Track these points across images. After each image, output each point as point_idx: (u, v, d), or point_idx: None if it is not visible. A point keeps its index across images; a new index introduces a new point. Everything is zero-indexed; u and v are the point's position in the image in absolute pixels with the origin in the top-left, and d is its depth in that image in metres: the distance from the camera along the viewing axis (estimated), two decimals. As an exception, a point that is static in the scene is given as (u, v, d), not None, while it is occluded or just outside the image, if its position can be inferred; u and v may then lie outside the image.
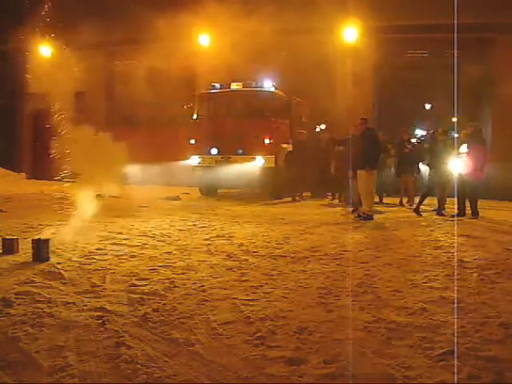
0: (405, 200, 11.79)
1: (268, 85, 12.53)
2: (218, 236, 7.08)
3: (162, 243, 6.49)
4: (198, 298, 4.16)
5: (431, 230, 7.91)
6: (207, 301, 4.11)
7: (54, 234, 6.41)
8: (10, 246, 5.73)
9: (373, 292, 4.45)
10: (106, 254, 5.73)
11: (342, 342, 3.29)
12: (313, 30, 14.47)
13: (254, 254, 5.95)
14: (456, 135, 10.84)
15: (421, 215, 9.61)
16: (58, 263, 5.22)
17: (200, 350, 3.15)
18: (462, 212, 9.44)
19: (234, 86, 12.80)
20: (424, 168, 11.46)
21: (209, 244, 6.47)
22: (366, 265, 5.48)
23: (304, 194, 13.08)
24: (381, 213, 9.94)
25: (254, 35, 12.78)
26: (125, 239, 6.70)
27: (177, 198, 12.09)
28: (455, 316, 3.81)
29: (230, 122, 12.25)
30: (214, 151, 12.36)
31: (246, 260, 5.60)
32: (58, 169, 6.71)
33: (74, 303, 3.97)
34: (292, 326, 3.55)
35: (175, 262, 5.41)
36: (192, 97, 13.44)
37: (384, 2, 13.71)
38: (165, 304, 4.01)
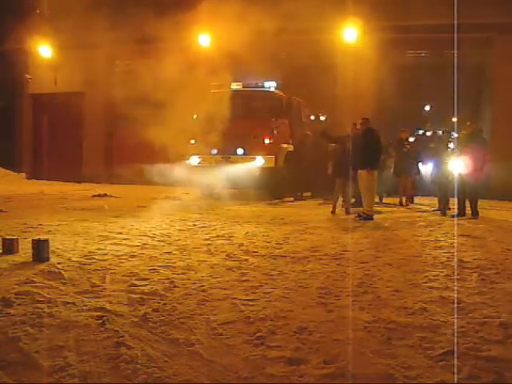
0: (404, 200, 11.80)
1: (268, 85, 12.53)
2: (217, 236, 7.08)
3: (162, 243, 6.49)
4: (197, 298, 4.16)
5: (431, 230, 7.92)
6: (207, 301, 4.11)
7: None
8: (10, 246, 5.72)
9: (373, 292, 4.45)
10: (106, 254, 5.73)
11: (341, 342, 3.29)
12: (313, 29, 14.48)
13: (254, 253, 5.95)
14: (455, 135, 10.87)
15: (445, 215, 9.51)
16: (58, 263, 5.22)
17: (200, 350, 3.15)
18: (462, 212, 9.45)
19: (234, 86, 12.80)
20: (424, 168, 11.48)
21: (209, 244, 6.47)
22: (366, 265, 5.48)
23: (304, 194, 13.09)
24: (381, 213, 9.95)
25: (253, 35, 12.78)
26: (125, 239, 6.69)
27: (177, 198, 12.09)
28: (455, 316, 3.81)
29: (230, 121, 12.24)
30: (214, 151, 12.35)
31: (246, 260, 5.60)
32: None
33: (73, 303, 3.97)
34: (292, 326, 3.55)
35: (175, 262, 5.41)
36: (192, 97, 13.43)
37: (384, 1, 13.73)
38: (165, 304, 4.00)
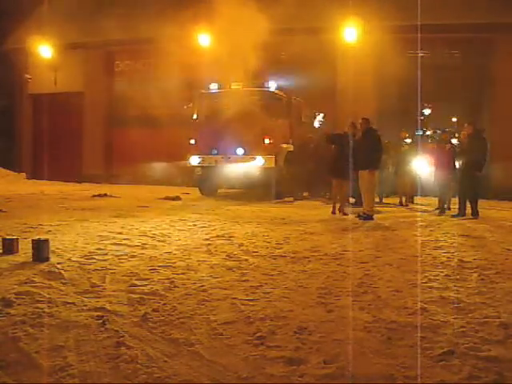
0: (404, 200, 11.81)
1: (268, 85, 12.53)
2: (218, 236, 7.08)
3: (162, 243, 6.49)
4: (197, 298, 4.16)
5: (431, 230, 7.91)
6: (207, 301, 4.11)
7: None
8: (10, 246, 5.72)
9: (373, 292, 4.45)
10: (106, 254, 5.73)
11: (342, 342, 3.29)
12: (313, 29, 14.49)
13: (254, 254, 5.94)
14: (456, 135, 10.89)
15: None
16: (58, 263, 5.22)
17: (200, 350, 3.15)
18: (462, 212, 9.46)
19: (234, 85, 12.80)
20: (424, 168, 11.48)
21: (209, 244, 6.47)
22: (366, 265, 5.48)
23: (304, 194, 13.10)
24: (381, 213, 9.95)
25: (253, 35, 12.78)
26: (125, 239, 6.69)
27: (177, 198, 12.09)
28: (455, 316, 3.81)
29: (230, 121, 12.25)
30: (214, 151, 12.35)
31: (246, 260, 5.60)
32: None
33: (73, 303, 3.97)
34: (292, 326, 3.55)
35: (175, 262, 5.41)
36: (192, 97, 13.45)
37: (384, 1, 13.73)
38: (165, 304, 4.00)
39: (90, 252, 5.83)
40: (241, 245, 6.43)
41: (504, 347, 3.24)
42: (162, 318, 3.70)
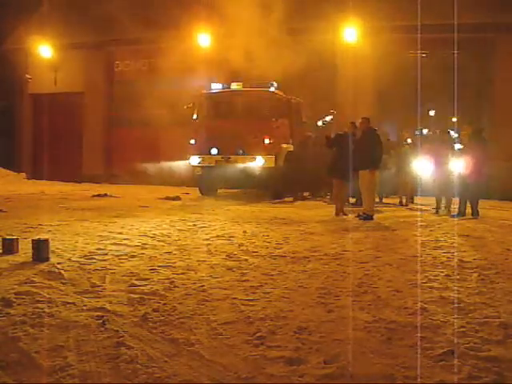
0: (405, 200, 11.80)
1: (268, 85, 12.53)
2: (217, 236, 7.08)
3: (162, 243, 6.49)
4: (198, 298, 4.16)
5: (431, 230, 7.91)
6: (207, 301, 4.11)
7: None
8: (10, 246, 5.72)
9: (373, 292, 4.45)
10: (106, 254, 5.73)
11: (342, 342, 3.29)
12: (313, 29, 14.49)
13: (254, 254, 5.94)
14: (456, 135, 10.88)
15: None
16: (58, 263, 5.22)
17: (200, 350, 3.15)
18: (462, 212, 9.46)
19: (234, 86, 12.80)
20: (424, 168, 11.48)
21: (209, 244, 6.47)
22: (366, 265, 5.48)
23: (304, 194, 13.09)
24: (381, 213, 9.95)
25: (253, 35, 12.78)
26: (125, 239, 6.69)
27: (177, 198, 12.09)
28: (455, 316, 3.81)
29: (230, 122, 12.25)
30: (214, 151, 12.35)
31: (246, 260, 5.60)
32: None
33: (74, 303, 3.97)
34: (292, 326, 3.55)
35: (175, 262, 5.41)
36: (192, 97, 13.45)
37: (384, 1, 13.73)
38: (165, 304, 4.00)
39: (90, 252, 5.83)
40: (241, 245, 6.43)
41: (504, 347, 3.24)
42: (162, 318, 3.70)
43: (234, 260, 5.61)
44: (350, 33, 14.45)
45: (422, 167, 11.32)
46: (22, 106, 19.57)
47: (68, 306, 3.92)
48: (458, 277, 4.98)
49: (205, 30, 15.34)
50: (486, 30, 13.96)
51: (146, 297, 4.17)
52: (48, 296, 4.12)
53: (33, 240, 5.53)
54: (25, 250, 5.64)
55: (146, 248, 6.16)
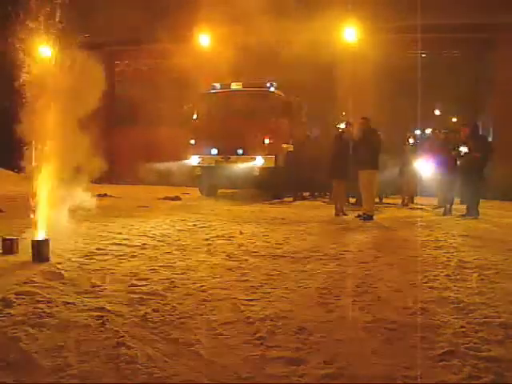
0: (406, 200, 11.80)
1: (268, 85, 12.53)
2: (217, 236, 7.08)
3: (162, 243, 6.49)
4: (198, 298, 4.16)
5: (431, 230, 7.91)
6: (207, 301, 4.11)
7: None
8: (10, 246, 5.72)
9: (373, 292, 4.45)
10: (106, 254, 5.73)
11: (341, 342, 3.29)
12: (313, 29, 14.47)
13: (254, 254, 5.94)
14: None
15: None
16: (58, 263, 5.22)
17: (200, 350, 3.15)
18: (474, 212, 9.42)
19: (234, 86, 12.80)
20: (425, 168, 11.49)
21: (209, 244, 6.47)
22: (366, 265, 5.48)
23: (304, 194, 13.09)
24: (381, 212, 9.95)
25: (254, 35, 12.78)
26: (125, 239, 6.69)
27: (177, 198, 12.09)
28: (455, 316, 3.81)
29: (230, 121, 12.24)
30: (214, 151, 12.35)
31: (246, 260, 5.60)
32: None
33: (73, 303, 3.97)
34: (292, 326, 3.55)
35: (175, 262, 5.41)
36: (192, 97, 13.46)
37: (384, 2, 13.72)
38: (165, 304, 4.00)
39: (90, 252, 5.83)
40: (241, 245, 6.43)
41: (504, 347, 3.24)
42: (162, 318, 3.70)
43: (234, 260, 5.61)
44: (350, 33, 14.43)
45: (423, 167, 11.34)
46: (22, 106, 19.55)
47: (68, 305, 3.91)
48: (457, 277, 4.99)
49: (205, 31, 15.32)
50: (486, 30, 13.96)
51: (145, 297, 4.17)
52: (48, 296, 4.12)
53: (33, 240, 5.53)
54: (25, 250, 5.63)
55: (146, 248, 6.16)
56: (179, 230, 7.52)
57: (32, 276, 4.73)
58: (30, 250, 5.43)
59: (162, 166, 14.77)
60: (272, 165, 12.11)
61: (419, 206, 11.28)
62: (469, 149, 9.40)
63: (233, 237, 7.02)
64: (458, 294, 4.40)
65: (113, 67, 18.84)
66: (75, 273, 4.90)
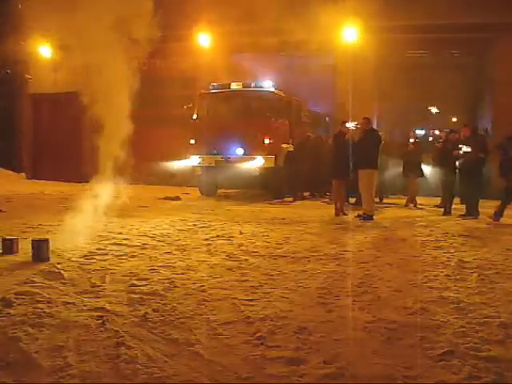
0: (407, 200, 11.79)
1: (268, 85, 12.53)
2: (217, 236, 7.08)
3: (162, 243, 6.49)
4: (198, 298, 4.16)
5: (431, 230, 7.91)
6: (207, 301, 4.11)
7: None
8: (10, 246, 5.72)
9: (373, 292, 4.45)
10: (106, 254, 5.73)
11: (341, 342, 3.29)
12: (313, 30, 14.47)
13: (254, 254, 5.94)
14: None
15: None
16: (58, 263, 5.22)
17: (200, 350, 3.15)
18: (474, 212, 9.42)
19: (234, 86, 12.79)
20: (427, 169, 11.50)
21: (209, 244, 6.47)
22: (366, 265, 5.48)
23: (304, 194, 13.09)
24: (381, 213, 9.95)
25: (254, 35, 12.78)
26: (125, 239, 6.69)
27: (177, 198, 12.08)
28: (455, 316, 3.81)
29: (230, 121, 12.24)
30: (214, 151, 12.35)
31: (246, 260, 5.60)
32: None
33: (73, 303, 3.97)
34: (292, 326, 3.55)
35: (175, 262, 5.41)
36: (192, 97, 13.45)
37: (384, 2, 13.71)
38: (165, 304, 4.00)
39: (90, 252, 5.83)
40: (241, 245, 6.43)
41: (504, 347, 3.25)
42: (162, 318, 3.70)
43: (234, 260, 5.61)
44: (350, 33, 14.43)
45: (424, 167, 11.35)
46: (22, 105, 19.54)
47: (68, 305, 3.92)
48: (457, 277, 4.99)
49: (205, 30, 15.31)
50: (486, 29, 13.95)
51: (145, 297, 4.17)
52: (48, 296, 4.12)
53: (33, 240, 5.53)
54: (25, 250, 5.64)
55: (146, 248, 6.16)
56: (179, 230, 7.52)
57: (32, 276, 4.73)
58: (30, 250, 5.44)
59: (162, 165, 14.75)
60: (272, 165, 12.11)
61: (419, 206, 11.27)
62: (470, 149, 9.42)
63: (233, 237, 7.02)
64: (458, 293, 4.40)
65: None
66: (75, 273, 4.90)
